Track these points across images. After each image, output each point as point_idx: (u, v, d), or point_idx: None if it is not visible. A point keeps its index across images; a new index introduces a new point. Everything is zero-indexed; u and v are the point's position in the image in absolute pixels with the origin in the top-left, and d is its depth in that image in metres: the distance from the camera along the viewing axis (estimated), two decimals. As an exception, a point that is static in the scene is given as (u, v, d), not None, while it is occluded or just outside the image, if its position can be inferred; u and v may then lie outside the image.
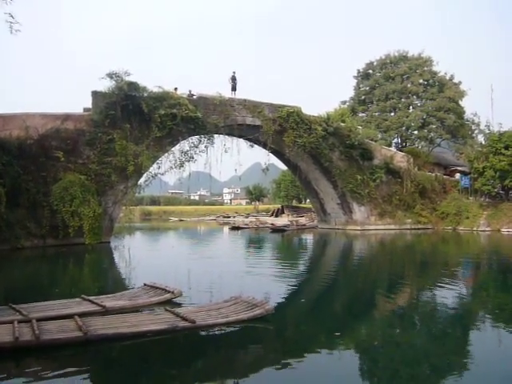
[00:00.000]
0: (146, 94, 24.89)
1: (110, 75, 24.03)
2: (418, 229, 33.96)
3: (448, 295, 10.84)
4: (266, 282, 12.87)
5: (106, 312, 8.40)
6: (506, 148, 31.75)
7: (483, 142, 36.72)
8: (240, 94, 30.68)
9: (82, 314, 7.91)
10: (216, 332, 7.55)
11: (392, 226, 34.17)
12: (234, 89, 30.58)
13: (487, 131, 36.49)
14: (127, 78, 24.21)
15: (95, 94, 24.34)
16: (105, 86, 24.21)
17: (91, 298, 9.22)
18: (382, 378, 6.21)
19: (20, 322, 7.29)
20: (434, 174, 38.49)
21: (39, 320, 7.40)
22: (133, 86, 24.25)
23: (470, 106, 48.11)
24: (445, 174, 41.12)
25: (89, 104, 24.51)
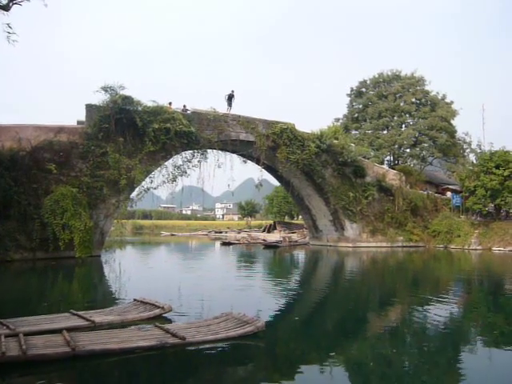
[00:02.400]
0: (140, 108, 24.97)
1: (105, 88, 24.13)
2: (410, 246, 34.01)
3: (439, 314, 10.82)
4: (257, 299, 12.80)
5: (94, 327, 8.31)
6: (497, 167, 32.04)
7: (474, 161, 37.04)
8: (235, 110, 30.86)
9: (71, 329, 7.81)
10: (206, 349, 7.47)
11: (384, 244, 34.19)
12: (229, 105, 30.71)
13: (478, 150, 36.91)
14: (122, 92, 24.33)
15: (89, 107, 24.37)
16: (99, 99, 24.35)
17: (80, 312, 9.10)
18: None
19: (7, 336, 7.18)
20: (425, 192, 38.69)
21: (26, 334, 7.30)
22: (127, 99, 24.33)
23: (462, 125, 48.81)
24: (436, 193, 41.33)
25: (82, 116, 24.53)
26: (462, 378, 6.57)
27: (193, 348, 7.43)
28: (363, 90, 52.82)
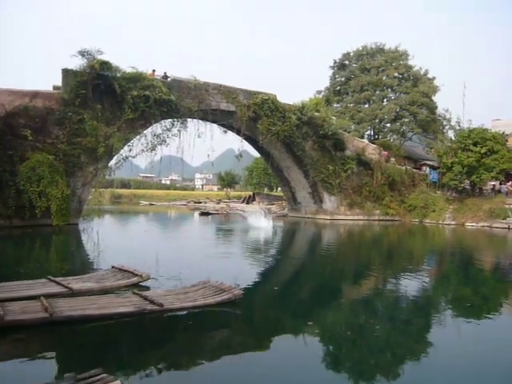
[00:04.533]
0: (118, 74, 24.42)
1: (82, 53, 23.46)
2: (386, 220, 34.60)
3: (412, 285, 11.15)
4: (235, 268, 12.96)
5: (72, 294, 8.30)
6: (475, 145, 32.54)
7: (453, 138, 37.52)
8: (216, 80, 30.46)
9: (48, 296, 7.80)
10: (183, 316, 7.58)
11: (361, 217, 34.71)
12: None
13: (457, 127, 37.31)
14: (100, 57, 23.68)
15: (66, 71, 23.70)
16: (76, 63, 23.68)
17: (58, 279, 9.08)
18: (346, 363, 6.38)
19: (-17, 302, 7.13)
20: (403, 167, 39.18)
21: (3, 300, 7.27)
22: (105, 65, 23.71)
23: (443, 101, 49.18)
24: (414, 168, 41.91)
25: (58, 81, 23.89)
26: (431, 347, 6.82)
27: (170, 315, 7.53)
28: (346, 62, 52.54)
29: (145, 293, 8.26)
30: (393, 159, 38.67)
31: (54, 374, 5.23)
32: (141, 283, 9.57)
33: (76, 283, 8.99)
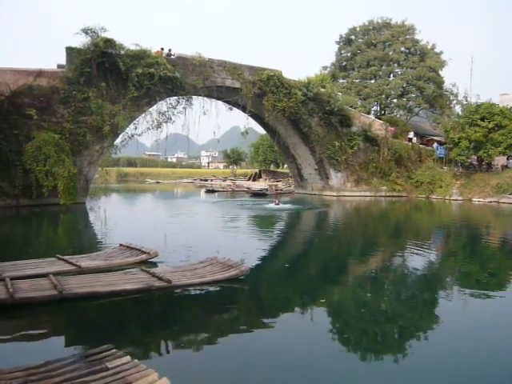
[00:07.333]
0: (122, 52, 24.22)
1: (85, 31, 23.25)
2: (393, 196, 34.52)
3: (418, 261, 11.15)
4: (242, 245, 12.99)
5: (81, 271, 8.38)
6: (482, 119, 32.12)
7: (460, 113, 37.07)
8: (221, 56, 30.11)
9: (57, 274, 7.89)
10: (191, 292, 7.64)
11: (367, 193, 34.65)
12: None
13: (465, 102, 36.80)
14: (103, 34, 23.48)
15: (70, 50, 23.54)
16: (80, 41, 23.51)
17: (66, 257, 9.16)
18: (352, 338, 6.41)
19: (-7, 280, 7.22)
20: (410, 143, 38.90)
21: (13, 279, 7.35)
22: (109, 42, 23.51)
23: (450, 76, 48.49)
24: (421, 143, 41.60)
25: (63, 60, 23.75)
26: (437, 322, 6.85)
27: (178, 291, 7.59)
28: (352, 37, 51.68)
29: (153, 269, 8.33)
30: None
31: (65, 349, 5.31)
32: (149, 260, 9.64)
33: (84, 261, 9.07)
